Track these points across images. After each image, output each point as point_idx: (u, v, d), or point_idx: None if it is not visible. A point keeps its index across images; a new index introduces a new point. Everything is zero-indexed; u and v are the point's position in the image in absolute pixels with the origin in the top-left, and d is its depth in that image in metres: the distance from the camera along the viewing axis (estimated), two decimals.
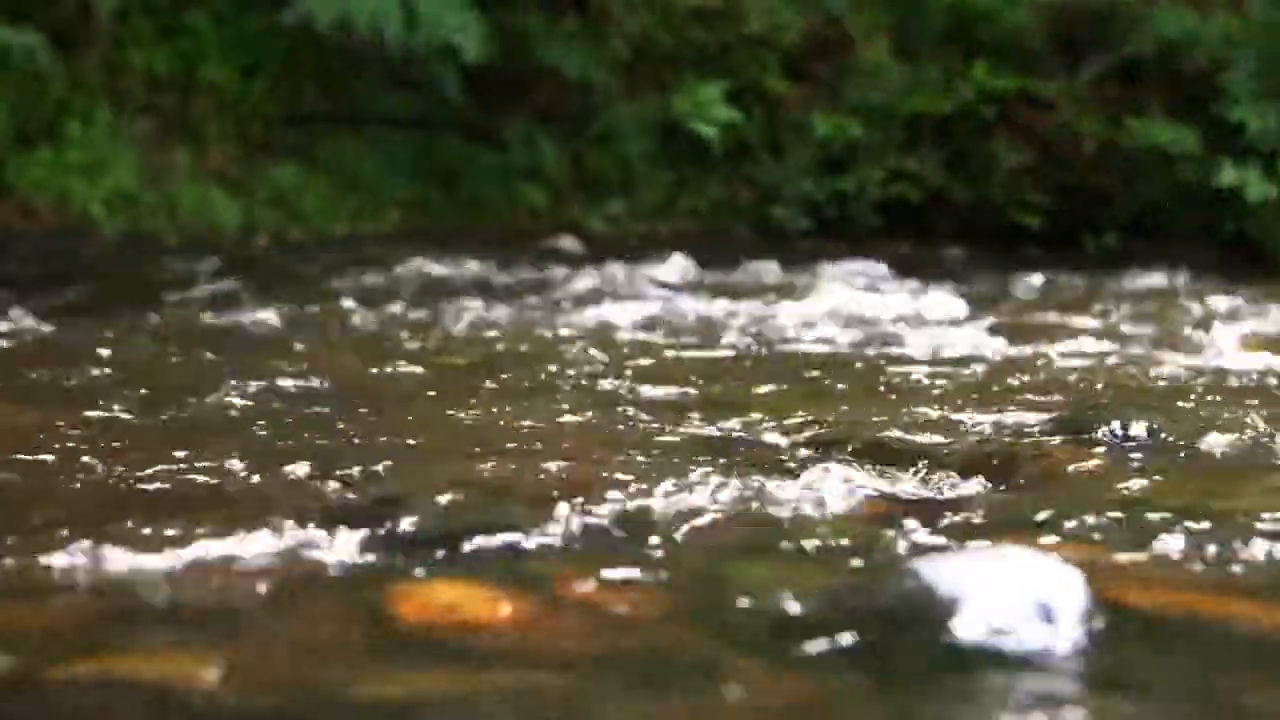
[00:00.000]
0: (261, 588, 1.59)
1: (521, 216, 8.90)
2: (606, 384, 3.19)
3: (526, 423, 2.64)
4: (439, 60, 8.29)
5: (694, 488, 2.02)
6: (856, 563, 1.70)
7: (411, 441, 2.40)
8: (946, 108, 8.97)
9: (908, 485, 2.13)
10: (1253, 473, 2.24)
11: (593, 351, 3.78)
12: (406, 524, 1.77)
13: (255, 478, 2.06)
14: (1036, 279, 6.62)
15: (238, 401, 2.84)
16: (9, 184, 7.87)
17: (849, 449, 2.34)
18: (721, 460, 2.25)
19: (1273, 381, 3.34)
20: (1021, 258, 7.77)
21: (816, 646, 1.39)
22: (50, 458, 2.22)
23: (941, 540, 1.81)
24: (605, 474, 2.08)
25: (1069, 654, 1.36)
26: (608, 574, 1.63)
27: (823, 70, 9.49)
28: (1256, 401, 3.03)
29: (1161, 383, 3.28)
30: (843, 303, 4.93)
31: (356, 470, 2.07)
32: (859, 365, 3.61)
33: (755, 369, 3.57)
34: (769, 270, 6.34)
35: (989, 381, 3.30)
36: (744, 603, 1.54)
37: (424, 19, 7.84)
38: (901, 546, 1.77)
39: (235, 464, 2.15)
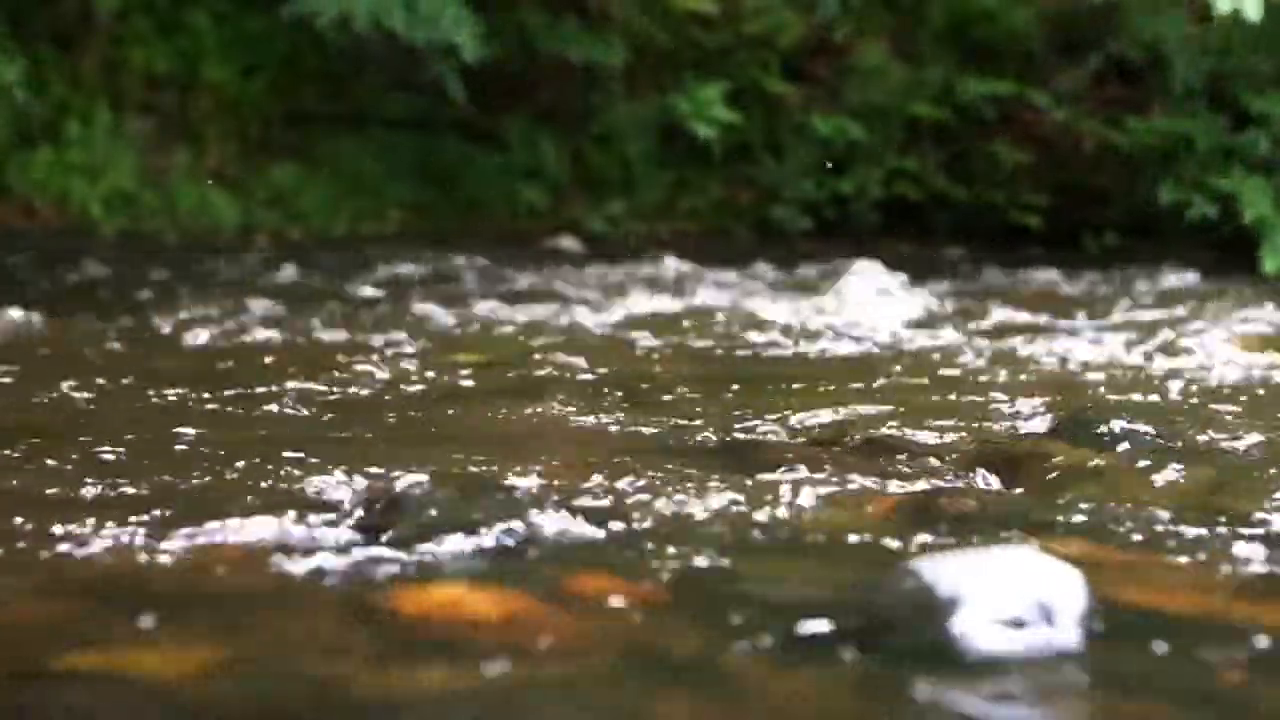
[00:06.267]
0: (260, 585, 1.59)
1: (521, 217, 8.89)
2: (606, 383, 3.19)
3: (527, 422, 2.64)
4: (441, 59, 8.27)
5: (695, 486, 2.02)
6: (856, 563, 1.70)
7: (412, 439, 2.40)
8: (946, 115, 8.97)
9: (908, 485, 2.13)
10: (1253, 472, 2.24)
11: (592, 351, 3.78)
12: (407, 521, 1.77)
13: (255, 475, 2.06)
14: (1036, 279, 6.63)
15: (238, 400, 2.84)
16: (9, 184, 7.86)
17: (849, 448, 2.34)
18: (722, 459, 2.25)
19: (1272, 381, 3.33)
20: (1021, 257, 7.77)
21: (816, 646, 1.39)
22: (46, 454, 2.22)
23: (942, 540, 1.81)
24: (606, 472, 2.08)
25: (1069, 654, 1.36)
26: (608, 572, 1.63)
27: (823, 70, 9.49)
28: (1256, 401, 3.03)
29: (1161, 382, 3.28)
30: (842, 302, 4.93)
31: (357, 468, 2.07)
32: (859, 364, 3.61)
33: (755, 369, 3.57)
34: (768, 271, 6.34)
35: (989, 381, 3.30)
36: (744, 602, 1.54)
37: (422, 16, 7.80)
38: (901, 546, 1.77)
39: (235, 461, 2.15)
